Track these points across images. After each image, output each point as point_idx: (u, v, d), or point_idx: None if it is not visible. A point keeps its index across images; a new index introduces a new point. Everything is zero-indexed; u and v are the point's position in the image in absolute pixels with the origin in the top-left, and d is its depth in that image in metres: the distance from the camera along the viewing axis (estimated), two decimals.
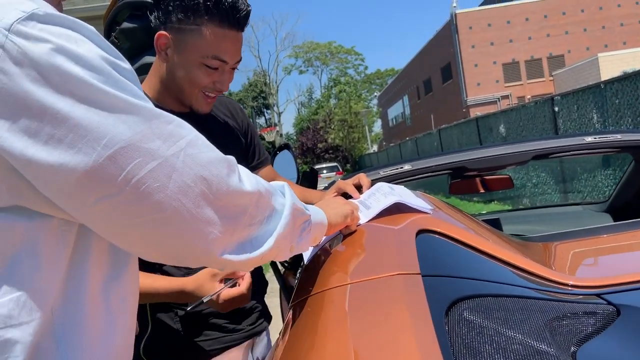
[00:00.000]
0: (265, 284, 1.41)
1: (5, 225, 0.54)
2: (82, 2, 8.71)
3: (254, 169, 1.38)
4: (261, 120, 57.63)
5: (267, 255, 0.68)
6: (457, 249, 0.81)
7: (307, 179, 2.08)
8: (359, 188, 1.16)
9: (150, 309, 1.17)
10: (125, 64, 0.59)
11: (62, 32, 0.53)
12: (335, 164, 29.12)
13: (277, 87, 53.45)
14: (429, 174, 1.90)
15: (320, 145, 37.29)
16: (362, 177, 1.19)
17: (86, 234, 0.60)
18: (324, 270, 0.82)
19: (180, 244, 0.59)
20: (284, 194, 0.74)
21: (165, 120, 0.58)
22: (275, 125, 49.03)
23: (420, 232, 0.83)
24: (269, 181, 1.48)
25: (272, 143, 31.43)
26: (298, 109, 58.75)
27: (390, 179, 1.91)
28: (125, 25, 1.39)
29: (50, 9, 0.55)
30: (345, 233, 0.91)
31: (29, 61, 0.51)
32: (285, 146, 2.30)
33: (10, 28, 0.51)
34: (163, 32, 1.11)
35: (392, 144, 29.08)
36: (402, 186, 1.14)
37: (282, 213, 0.70)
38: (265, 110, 55.76)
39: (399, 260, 0.71)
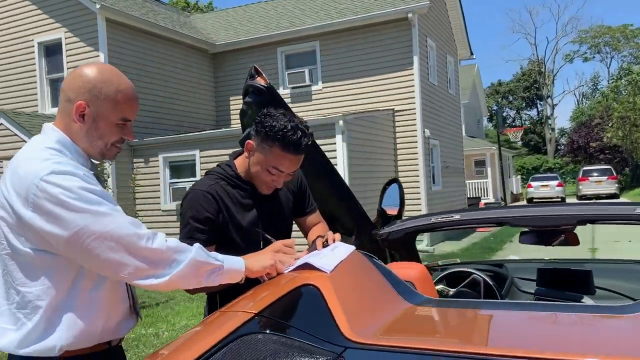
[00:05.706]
0: None
1: (41, 255, 1.27)
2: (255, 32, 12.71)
3: (308, 214, 2.00)
4: (532, 112, 53.57)
5: (171, 284, 1.27)
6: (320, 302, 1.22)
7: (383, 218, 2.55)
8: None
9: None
10: (97, 187, 1.26)
11: (66, 177, 1.22)
12: (608, 166, 25.35)
13: (554, 77, 48.81)
14: (474, 226, 2.11)
15: (593, 145, 32.80)
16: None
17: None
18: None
19: (115, 273, 1.26)
20: (191, 251, 1.31)
21: (104, 214, 1.23)
22: (532, 124, 45.03)
23: (305, 285, 1.34)
24: (315, 223, 2.05)
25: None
26: (578, 101, 52.48)
27: (442, 226, 2.22)
28: (247, 99, 2.17)
29: (67, 167, 1.26)
30: (268, 277, 1.46)
31: (46, 194, 1.20)
32: (394, 180, 2.80)
33: (41, 177, 1.21)
34: (251, 141, 1.72)
35: None
36: (348, 246, 1.58)
37: (181, 263, 1.28)
38: (538, 101, 51.70)
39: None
